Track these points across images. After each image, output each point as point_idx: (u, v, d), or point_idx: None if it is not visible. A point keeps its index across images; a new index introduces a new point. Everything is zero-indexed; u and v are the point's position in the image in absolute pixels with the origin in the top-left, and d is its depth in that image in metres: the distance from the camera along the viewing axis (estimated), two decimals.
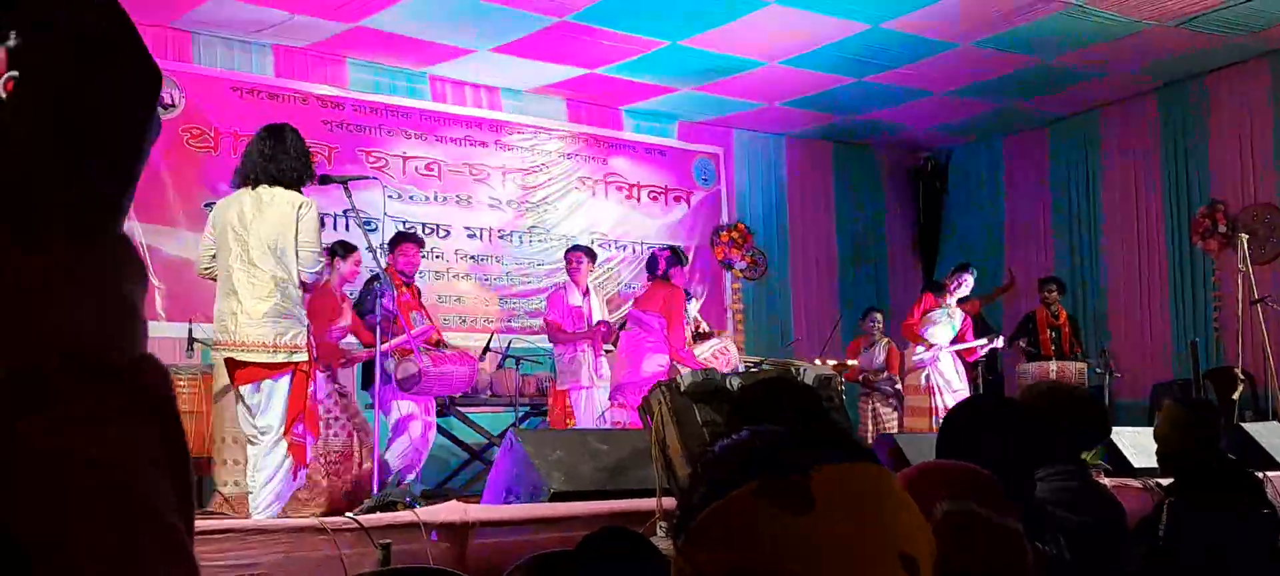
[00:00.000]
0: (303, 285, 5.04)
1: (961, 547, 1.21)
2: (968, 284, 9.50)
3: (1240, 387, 8.37)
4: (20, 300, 0.67)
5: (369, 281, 7.31)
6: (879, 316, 10.17)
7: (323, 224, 5.20)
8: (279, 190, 5.00)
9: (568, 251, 8.82)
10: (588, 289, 8.53)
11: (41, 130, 0.71)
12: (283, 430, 4.95)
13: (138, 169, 0.78)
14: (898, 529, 0.96)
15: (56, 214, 0.70)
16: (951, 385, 9.25)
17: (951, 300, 9.45)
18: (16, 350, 0.66)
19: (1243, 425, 7.27)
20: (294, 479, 5.09)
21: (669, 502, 4.39)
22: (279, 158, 5.04)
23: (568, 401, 8.18)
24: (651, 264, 8.24)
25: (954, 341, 9.38)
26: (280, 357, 4.94)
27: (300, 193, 5.07)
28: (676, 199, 11.81)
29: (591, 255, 8.76)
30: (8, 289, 0.67)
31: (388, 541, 4.18)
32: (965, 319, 9.52)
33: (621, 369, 7.79)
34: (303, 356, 5.00)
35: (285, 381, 4.97)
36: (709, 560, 0.94)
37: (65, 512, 0.64)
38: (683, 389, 4.30)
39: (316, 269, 5.08)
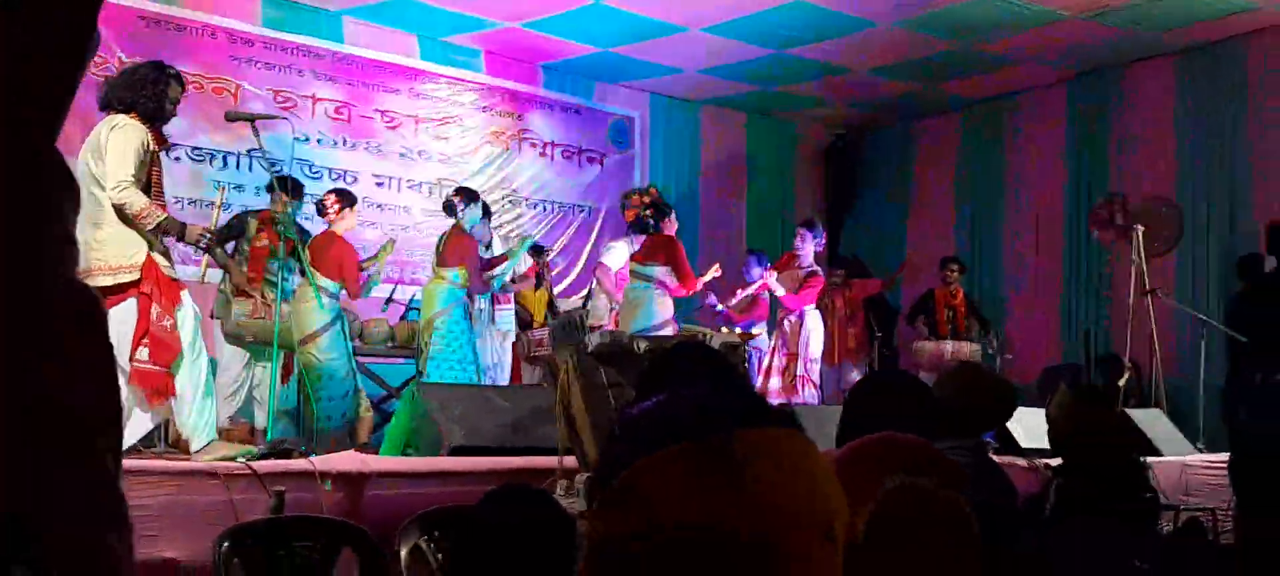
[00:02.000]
0: (127, 208, 4.78)
1: (909, 522, 1.20)
2: (808, 239, 9.17)
3: (1126, 375, 8.62)
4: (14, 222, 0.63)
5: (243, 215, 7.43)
6: (752, 263, 9.59)
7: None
8: (108, 116, 4.93)
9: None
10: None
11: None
12: (126, 357, 4.76)
13: (76, 80, 0.73)
14: (817, 494, 0.95)
15: (5, 138, 0.66)
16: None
17: (800, 259, 9.19)
18: (20, 280, 0.62)
19: (1126, 411, 7.49)
20: (147, 411, 4.87)
21: (570, 462, 4.39)
22: (109, 85, 5.01)
23: None
24: (641, 226, 8.49)
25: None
26: (124, 277, 4.78)
27: (129, 118, 4.91)
28: (590, 160, 11.75)
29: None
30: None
31: (282, 488, 4.11)
32: (810, 280, 9.14)
33: (632, 319, 7.89)
34: (127, 277, 4.79)
35: (130, 305, 4.79)
36: (626, 523, 0.93)
37: (52, 469, 0.60)
38: (590, 350, 4.29)
39: (120, 194, 4.77)
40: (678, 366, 2.28)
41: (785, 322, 8.98)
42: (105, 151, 4.82)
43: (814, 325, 9.07)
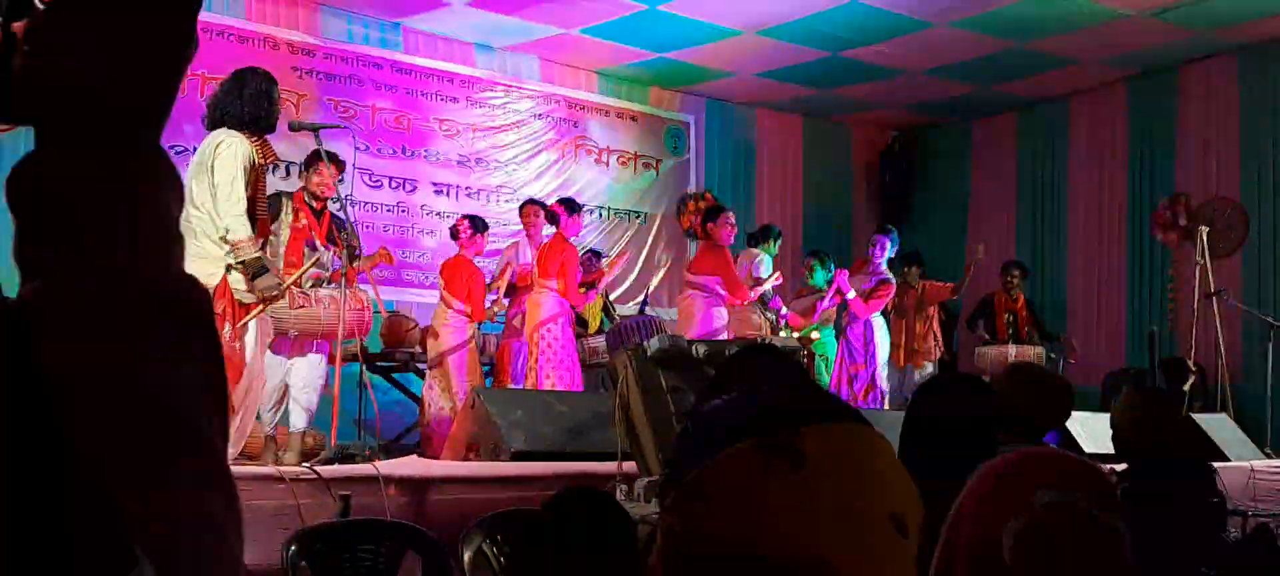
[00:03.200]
0: (227, 234, 4.85)
1: (1060, 541, 1.18)
2: (885, 247, 9.14)
3: (1191, 379, 8.49)
4: (74, 211, 0.66)
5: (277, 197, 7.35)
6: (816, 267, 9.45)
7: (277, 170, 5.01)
8: (213, 133, 4.98)
9: (523, 205, 8.82)
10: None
11: (82, 35, 0.70)
12: None
13: (177, 80, 0.76)
14: (887, 488, 0.96)
15: (100, 122, 0.69)
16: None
17: (874, 264, 9.24)
18: (74, 267, 0.65)
19: (1192, 416, 7.38)
20: None
21: (630, 466, 4.40)
22: (222, 102, 5.02)
23: (507, 356, 8.34)
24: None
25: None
26: None
27: (237, 134, 4.94)
28: (646, 165, 11.78)
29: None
30: (58, 201, 0.66)
31: (347, 493, 4.17)
32: (881, 288, 9.08)
33: (687, 328, 8.03)
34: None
35: None
36: (701, 519, 0.94)
37: (122, 442, 0.63)
38: (649, 354, 4.31)
39: (234, 212, 4.84)
40: (750, 367, 2.29)
41: (850, 331, 8.95)
42: (213, 170, 4.86)
43: (880, 333, 9.03)
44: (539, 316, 7.60)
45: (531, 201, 8.80)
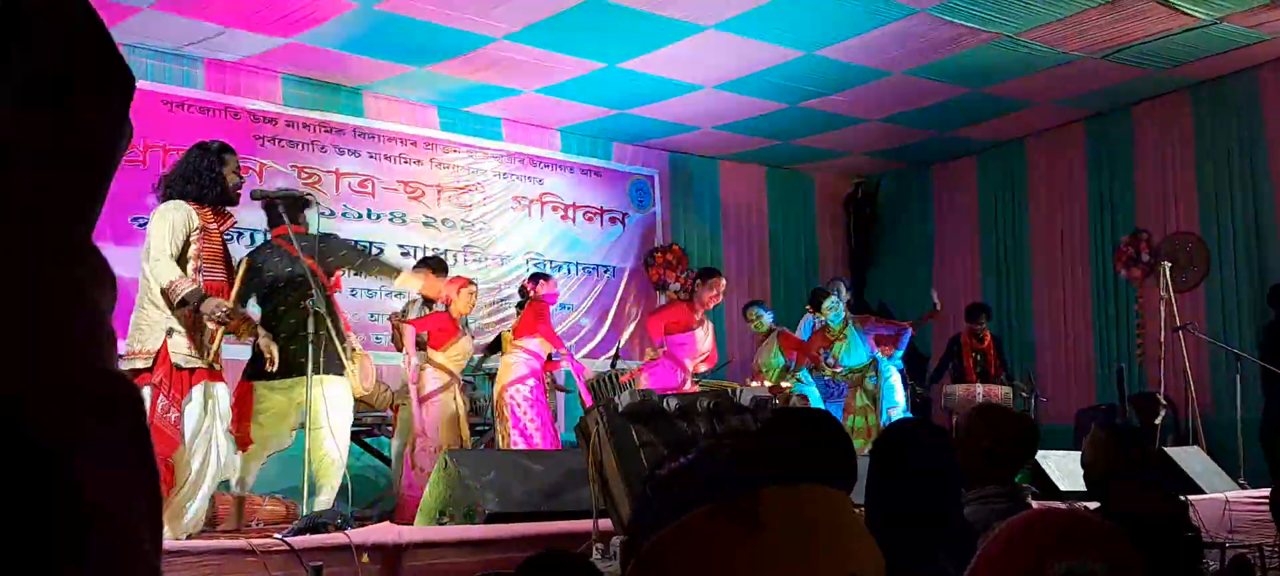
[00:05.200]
0: (163, 293, 4.93)
1: None
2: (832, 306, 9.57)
3: (1162, 413, 8.53)
4: (10, 317, 0.65)
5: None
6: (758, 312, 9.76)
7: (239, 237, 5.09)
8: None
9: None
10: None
11: (19, 138, 0.69)
12: None
13: (110, 177, 0.76)
14: (846, 548, 0.95)
15: (35, 225, 0.68)
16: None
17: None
18: (11, 373, 0.63)
19: (1165, 450, 7.41)
20: None
21: (605, 525, 4.37)
22: (168, 177, 5.17)
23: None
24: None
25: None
26: (138, 364, 4.88)
27: (174, 202, 5.04)
28: (612, 220, 11.82)
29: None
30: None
31: (319, 563, 4.10)
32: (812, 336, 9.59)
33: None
34: (141, 364, 4.85)
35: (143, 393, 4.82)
36: None
37: (58, 552, 0.61)
38: (620, 410, 4.29)
39: (165, 277, 4.89)
40: (798, 426, 2.26)
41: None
42: (150, 236, 4.99)
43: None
44: (509, 376, 7.60)
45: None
